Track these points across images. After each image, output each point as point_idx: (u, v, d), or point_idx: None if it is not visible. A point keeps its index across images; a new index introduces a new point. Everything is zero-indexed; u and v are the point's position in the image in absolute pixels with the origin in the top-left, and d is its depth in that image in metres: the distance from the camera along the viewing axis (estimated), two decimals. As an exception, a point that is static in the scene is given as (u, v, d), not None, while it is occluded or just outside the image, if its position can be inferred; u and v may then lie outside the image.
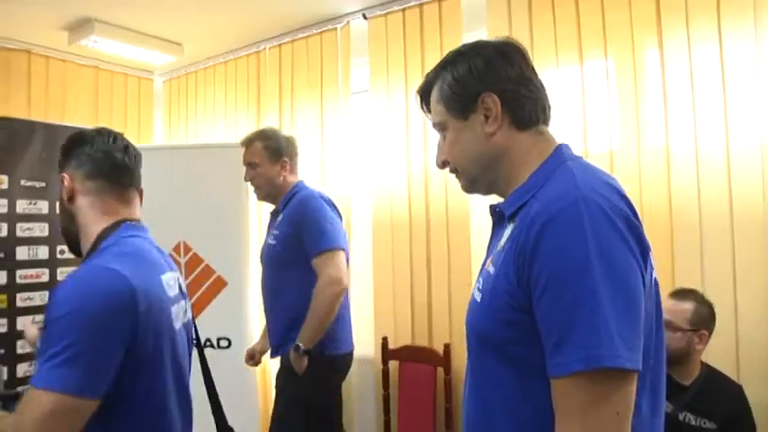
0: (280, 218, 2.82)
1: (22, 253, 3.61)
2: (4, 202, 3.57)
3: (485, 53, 1.23)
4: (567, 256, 1.01)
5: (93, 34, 4.06)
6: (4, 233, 3.56)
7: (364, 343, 3.80)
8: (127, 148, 1.59)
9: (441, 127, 1.30)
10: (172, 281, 1.54)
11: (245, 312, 3.85)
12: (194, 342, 1.79)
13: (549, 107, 1.26)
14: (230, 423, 3.74)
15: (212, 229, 3.84)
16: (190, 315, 1.70)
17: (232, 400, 3.70)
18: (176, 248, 3.85)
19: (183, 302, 1.62)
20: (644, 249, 1.06)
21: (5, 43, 4.29)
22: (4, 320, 3.52)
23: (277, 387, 2.81)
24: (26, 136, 3.69)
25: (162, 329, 1.43)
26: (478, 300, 1.17)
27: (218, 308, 3.84)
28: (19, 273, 3.59)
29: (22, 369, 3.51)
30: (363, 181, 3.90)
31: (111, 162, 1.54)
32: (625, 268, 1.01)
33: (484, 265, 1.25)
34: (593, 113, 3.03)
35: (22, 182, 3.64)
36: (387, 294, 3.68)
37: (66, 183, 1.53)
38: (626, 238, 1.03)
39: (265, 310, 2.92)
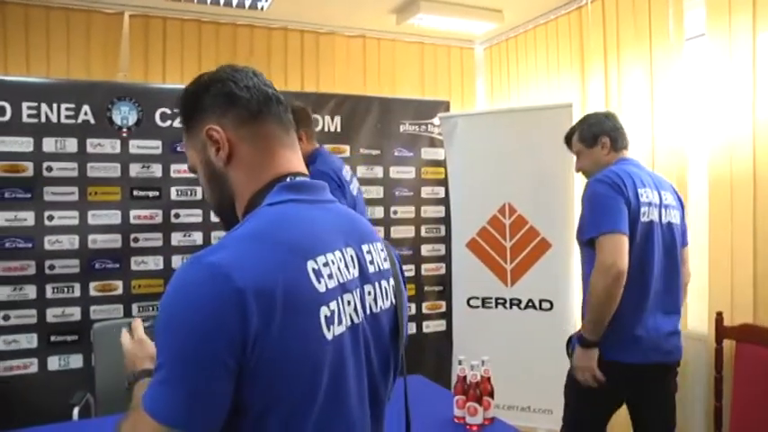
0: None
1: (363, 213, 4.08)
2: (346, 168, 4.04)
3: (599, 118, 2.77)
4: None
5: (420, 12, 4.30)
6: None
7: (698, 317, 3.50)
8: (269, 83, 1.16)
9: (578, 154, 2.80)
10: (338, 263, 1.06)
11: (568, 275, 3.79)
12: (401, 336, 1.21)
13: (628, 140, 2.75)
14: (549, 381, 3.71)
15: (537, 190, 3.83)
16: (388, 301, 1.17)
17: (552, 362, 3.72)
18: (501, 210, 3.93)
19: (368, 287, 1.13)
20: (628, 200, 2.42)
21: (345, 31, 4.82)
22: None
23: None
24: (364, 110, 4.18)
25: (294, 342, 0.96)
26: None
27: (540, 270, 3.84)
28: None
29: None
30: (699, 135, 3.52)
31: (265, 97, 1.12)
32: (607, 200, 2.41)
33: None
34: None
35: (361, 150, 4.16)
36: (724, 263, 3.28)
37: (218, 135, 1.10)
38: (615, 192, 2.42)
39: None
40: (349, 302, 1.06)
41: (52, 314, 3.53)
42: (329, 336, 1.00)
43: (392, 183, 4.24)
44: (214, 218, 3.71)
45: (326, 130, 4.07)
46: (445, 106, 4.44)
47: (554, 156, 3.76)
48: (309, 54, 4.68)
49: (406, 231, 4.28)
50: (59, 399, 2.92)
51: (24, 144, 3.49)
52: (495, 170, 3.88)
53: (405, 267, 4.15)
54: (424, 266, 4.36)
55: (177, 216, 3.77)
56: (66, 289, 3.58)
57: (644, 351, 2.43)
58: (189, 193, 3.80)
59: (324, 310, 1.00)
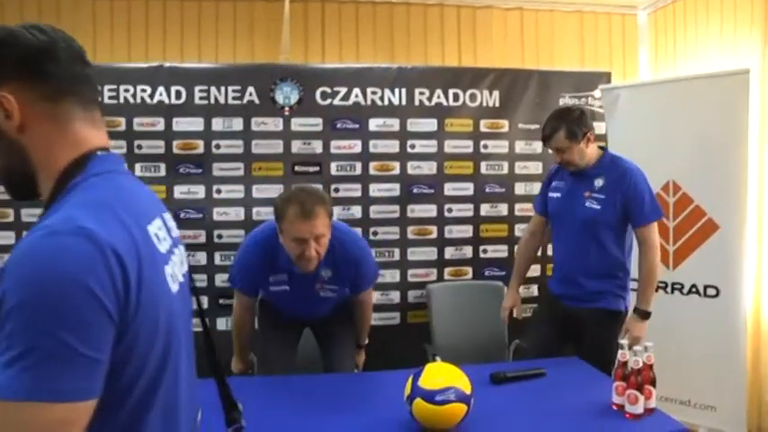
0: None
1: (519, 188, 4.13)
2: (505, 143, 4.10)
3: (577, 113, 3.03)
4: None
5: (579, -20, 4.13)
6: (505, 171, 4.11)
7: None
8: (84, 52, 1.12)
9: (563, 150, 2.98)
10: (162, 229, 1.12)
11: (739, 260, 3.49)
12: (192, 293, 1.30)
13: None
14: (713, 376, 3.46)
15: (705, 167, 3.55)
16: (186, 265, 1.26)
17: (716, 352, 3.48)
18: (664, 188, 3.69)
19: (177, 251, 1.19)
20: None
21: (502, 4, 4.68)
22: (504, 246, 4.15)
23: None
24: (522, 83, 4.12)
25: (157, 301, 1.01)
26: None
27: (706, 253, 3.57)
28: (517, 207, 4.14)
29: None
30: None
31: (75, 73, 1.08)
32: (652, 190, 3.01)
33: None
34: None
35: (520, 125, 4.10)
36: None
37: (8, 106, 1.02)
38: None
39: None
40: (174, 264, 1.13)
41: (220, 279, 3.87)
42: (174, 288, 1.10)
43: (551, 158, 4.02)
44: (374, 192, 3.94)
45: (485, 105, 4.05)
46: (606, 77, 4.25)
47: (727, 128, 3.48)
48: (466, 29, 4.62)
49: (566, 209, 4.17)
50: (228, 356, 3.10)
51: (196, 124, 3.84)
52: (660, 144, 3.66)
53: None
54: (583, 245, 4.22)
55: (337, 190, 3.95)
56: (232, 257, 3.82)
57: None
58: (348, 168, 3.96)
59: (167, 269, 1.08)
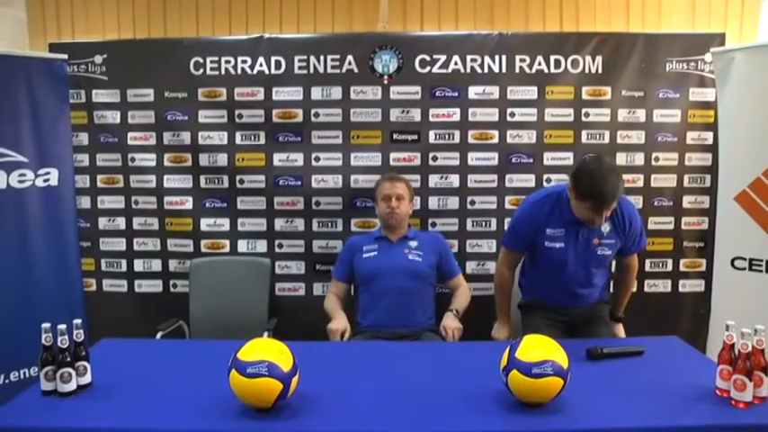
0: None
1: (621, 158, 3.97)
2: (606, 111, 3.93)
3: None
4: None
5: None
6: (606, 140, 3.95)
7: None
8: None
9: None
10: None
11: None
12: None
13: None
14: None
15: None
16: None
17: None
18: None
19: None
20: None
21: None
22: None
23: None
24: (627, 48, 3.94)
25: None
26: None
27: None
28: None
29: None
30: None
31: None
32: None
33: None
34: None
35: (623, 92, 3.94)
36: None
37: None
38: None
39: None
40: None
41: (318, 245, 4.03)
42: None
43: (655, 127, 3.96)
44: (472, 161, 3.94)
45: (587, 71, 3.91)
46: (719, 39, 3.99)
47: None
48: (568, -9, 4.46)
49: (667, 180, 3.99)
50: (322, 320, 3.21)
51: (295, 93, 3.95)
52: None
53: (663, 219, 4.04)
54: (684, 220, 4.04)
55: (435, 159, 3.97)
56: (329, 223, 4.01)
57: None
58: (447, 136, 3.96)
59: None
